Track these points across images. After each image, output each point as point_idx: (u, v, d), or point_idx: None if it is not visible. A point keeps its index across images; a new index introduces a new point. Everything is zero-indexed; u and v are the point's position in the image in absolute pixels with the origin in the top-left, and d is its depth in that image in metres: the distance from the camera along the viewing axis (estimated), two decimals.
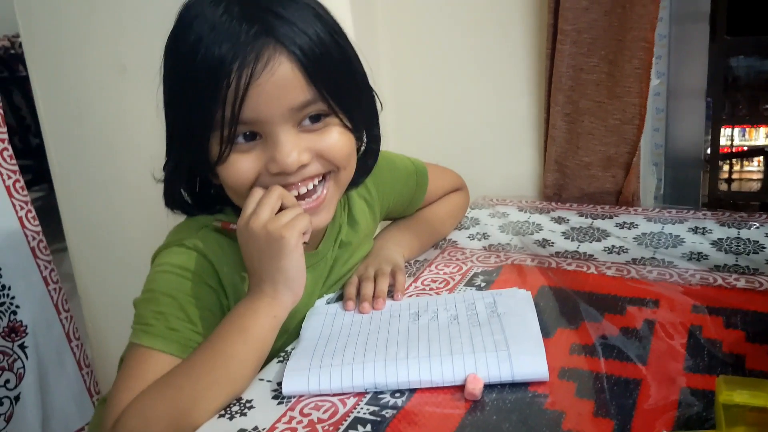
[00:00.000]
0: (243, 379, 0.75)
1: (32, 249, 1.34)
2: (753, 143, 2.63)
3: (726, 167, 2.22)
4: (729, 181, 2.24)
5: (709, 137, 1.58)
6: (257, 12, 0.76)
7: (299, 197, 0.84)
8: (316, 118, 0.81)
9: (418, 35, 1.51)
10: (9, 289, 1.30)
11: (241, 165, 0.80)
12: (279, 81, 0.76)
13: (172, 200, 0.89)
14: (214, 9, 0.76)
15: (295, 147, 0.79)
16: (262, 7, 0.77)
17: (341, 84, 0.82)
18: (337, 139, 0.83)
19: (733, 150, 2.25)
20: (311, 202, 0.85)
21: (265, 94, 0.76)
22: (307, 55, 0.77)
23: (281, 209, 0.80)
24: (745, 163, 2.49)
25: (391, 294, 0.94)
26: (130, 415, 0.70)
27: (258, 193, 0.81)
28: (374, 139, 0.93)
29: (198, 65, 0.76)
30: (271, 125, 0.78)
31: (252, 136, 0.80)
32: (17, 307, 1.31)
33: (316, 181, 0.85)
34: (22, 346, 1.32)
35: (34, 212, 1.35)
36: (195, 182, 0.89)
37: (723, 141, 1.57)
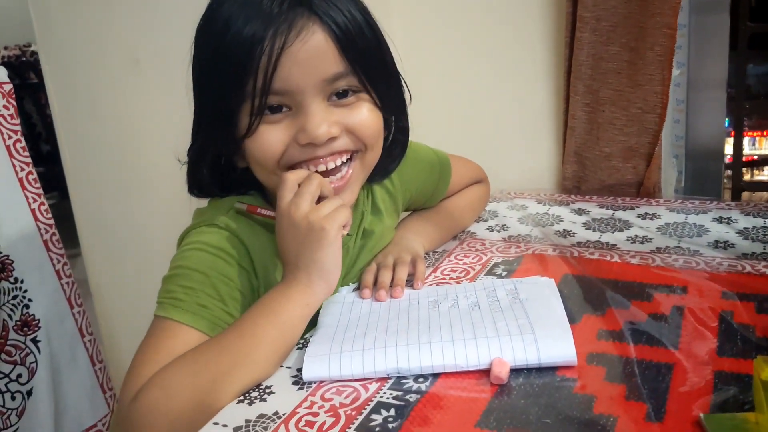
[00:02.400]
0: (269, 363, 0.73)
1: (45, 242, 1.33)
2: (763, 152, 2.61)
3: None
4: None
5: (731, 134, 1.55)
6: None
7: (325, 173, 0.83)
8: (345, 94, 0.81)
9: (435, 24, 1.49)
10: (22, 282, 1.28)
11: (269, 136, 0.79)
12: (312, 50, 0.76)
13: (196, 184, 0.88)
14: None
15: (325, 119, 0.79)
16: None
17: (372, 62, 0.82)
18: (366, 116, 0.83)
19: (744, 159, 2.22)
20: (336, 180, 0.84)
21: (297, 63, 0.76)
22: (341, 27, 0.77)
23: (319, 199, 0.80)
24: (756, 171, 2.47)
25: (410, 283, 0.92)
26: (154, 385, 0.67)
27: (293, 178, 0.79)
28: (403, 130, 0.94)
29: (230, 39, 0.76)
30: (302, 95, 0.78)
31: (280, 109, 0.79)
32: (30, 300, 1.30)
33: (344, 158, 0.84)
34: (34, 340, 1.30)
35: (47, 205, 1.34)
36: (219, 166, 0.88)
37: (729, 149, 1.54)
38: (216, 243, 0.81)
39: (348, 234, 0.83)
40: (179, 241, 0.85)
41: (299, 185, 0.80)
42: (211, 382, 0.68)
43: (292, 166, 0.82)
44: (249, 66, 0.75)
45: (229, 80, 0.78)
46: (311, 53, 0.76)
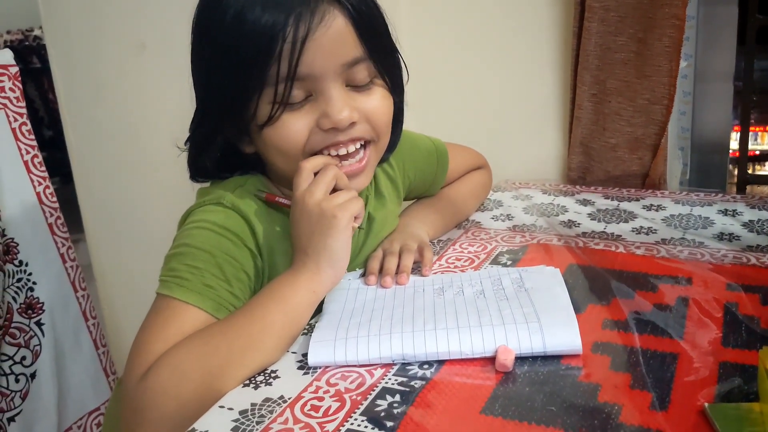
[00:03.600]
0: (277, 349, 0.73)
1: (50, 225, 1.33)
2: (765, 148, 2.59)
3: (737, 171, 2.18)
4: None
5: (736, 129, 1.54)
6: None
7: (343, 157, 0.84)
8: (361, 79, 0.82)
9: (441, 14, 1.49)
10: (26, 265, 1.29)
11: (293, 124, 0.80)
12: (334, 35, 0.77)
13: (199, 171, 0.89)
14: None
15: (346, 103, 0.80)
16: None
17: (384, 45, 0.84)
18: (380, 103, 0.84)
19: (749, 153, 2.21)
20: (355, 163, 0.85)
21: (321, 49, 0.76)
22: (358, 11, 0.78)
23: (335, 190, 0.81)
24: (758, 167, 2.45)
25: (416, 270, 0.92)
26: (164, 366, 0.67)
27: (309, 167, 0.80)
28: (401, 110, 0.93)
29: (248, 28, 0.75)
30: (324, 81, 0.79)
31: (301, 96, 0.80)
32: (34, 283, 1.30)
33: (358, 144, 0.85)
34: (38, 323, 1.31)
35: (52, 188, 1.34)
36: (223, 151, 0.88)
37: (734, 144, 1.53)
38: (222, 222, 0.81)
39: (360, 227, 0.84)
40: (182, 219, 0.85)
41: (315, 174, 0.80)
42: (220, 367, 0.69)
43: (314, 153, 0.83)
44: (271, 54, 0.75)
45: (248, 69, 0.77)
46: (333, 38, 0.77)
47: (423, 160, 1.09)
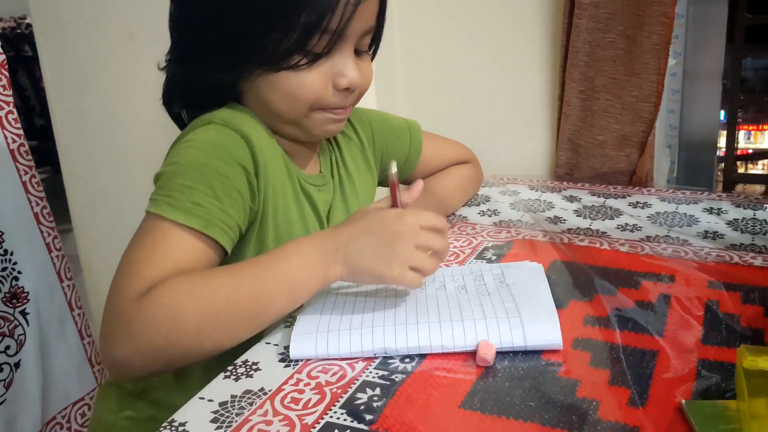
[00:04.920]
0: (265, 326, 0.74)
1: (36, 215, 1.32)
2: (758, 146, 2.61)
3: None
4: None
5: (725, 130, 1.55)
6: None
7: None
8: (363, 47, 0.86)
9: (432, 10, 1.49)
10: (11, 254, 1.28)
11: (313, 76, 0.81)
12: (370, 3, 0.81)
13: (178, 98, 0.88)
14: None
15: (357, 67, 0.83)
16: None
17: (384, 19, 0.88)
18: (370, 72, 0.88)
19: (738, 153, 2.22)
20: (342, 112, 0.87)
21: (363, 12, 0.80)
22: None
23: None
24: (750, 165, 2.47)
25: None
26: (165, 295, 0.68)
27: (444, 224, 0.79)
28: None
29: None
30: (348, 42, 0.81)
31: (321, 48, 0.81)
32: (19, 273, 1.30)
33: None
34: (23, 313, 1.30)
35: (38, 178, 1.33)
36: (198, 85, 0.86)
37: (723, 143, 1.54)
38: (213, 139, 0.79)
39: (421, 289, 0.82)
40: (172, 145, 0.83)
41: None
42: (212, 328, 0.69)
43: (317, 108, 0.84)
44: (321, 5, 0.77)
45: (279, 9, 0.77)
46: (372, 5, 0.82)
47: (393, 135, 1.09)
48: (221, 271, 0.73)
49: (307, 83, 0.81)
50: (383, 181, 1.11)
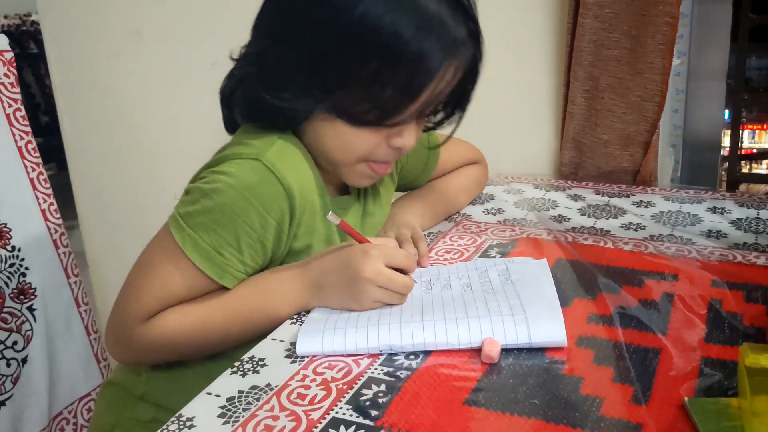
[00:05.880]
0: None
1: (43, 211, 1.33)
2: (762, 146, 2.61)
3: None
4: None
5: (729, 129, 1.55)
6: (463, 11, 0.81)
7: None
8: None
9: None
10: (19, 250, 1.29)
11: (372, 133, 0.83)
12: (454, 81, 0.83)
13: (241, 102, 0.86)
14: None
15: (416, 132, 0.86)
16: (466, 6, 0.82)
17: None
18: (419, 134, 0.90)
19: (742, 152, 2.22)
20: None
21: (449, 88, 0.83)
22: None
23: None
24: (754, 165, 2.47)
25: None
26: (165, 329, 0.79)
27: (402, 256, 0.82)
28: None
29: (404, 49, 0.75)
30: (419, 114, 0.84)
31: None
32: (26, 269, 1.31)
33: None
34: (30, 309, 1.31)
35: (45, 174, 1.34)
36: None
37: (726, 142, 1.54)
38: (254, 187, 0.78)
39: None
40: (217, 158, 0.82)
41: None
42: (207, 350, 0.84)
43: (365, 160, 0.86)
44: (417, 82, 0.78)
45: (376, 72, 0.77)
46: (454, 81, 0.83)
47: (414, 149, 1.09)
48: (215, 310, 0.81)
49: (364, 137, 0.83)
50: (400, 187, 1.13)
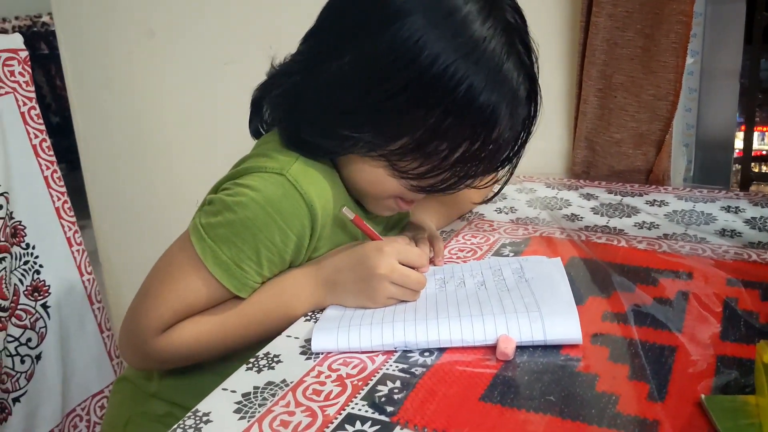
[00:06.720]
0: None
1: (57, 209, 1.34)
2: None
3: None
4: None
5: (741, 128, 1.54)
6: (530, 65, 0.84)
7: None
8: None
9: None
10: (33, 248, 1.30)
11: (405, 182, 0.83)
12: None
13: (281, 114, 0.86)
14: (497, 41, 0.80)
15: None
16: (530, 64, 0.84)
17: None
18: None
19: (752, 154, 2.20)
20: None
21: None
22: None
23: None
24: (765, 167, 2.45)
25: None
26: (182, 342, 0.80)
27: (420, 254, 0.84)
28: None
29: (471, 101, 0.76)
30: None
31: None
32: (41, 266, 1.31)
33: None
34: (44, 306, 1.32)
35: (59, 173, 1.35)
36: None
37: (739, 144, 1.53)
38: (277, 201, 0.78)
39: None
40: (240, 168, 0.82)
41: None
42: (219, 352, 0.83)
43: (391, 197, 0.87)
44: (477, 130, 0.78)
45: (438, 123, 0.77)
46: None
47: None
48: (232, 317, 0.81)
49: (402, 182, 0.83)
50: None
